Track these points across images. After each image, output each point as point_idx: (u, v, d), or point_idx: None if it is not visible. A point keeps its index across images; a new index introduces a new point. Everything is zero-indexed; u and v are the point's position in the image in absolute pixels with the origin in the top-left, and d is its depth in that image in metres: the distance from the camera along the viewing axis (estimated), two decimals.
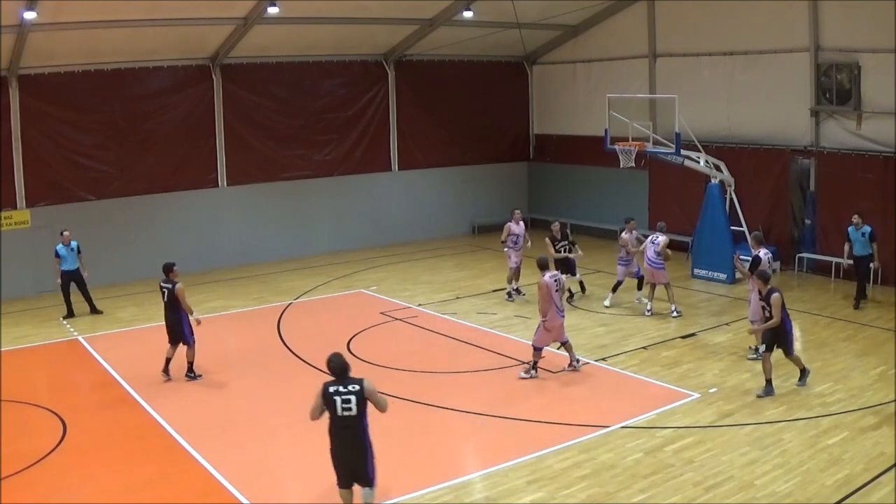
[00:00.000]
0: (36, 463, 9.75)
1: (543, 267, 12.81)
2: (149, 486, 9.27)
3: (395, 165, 24.14)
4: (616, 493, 8.76)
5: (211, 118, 20.93)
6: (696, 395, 11.50)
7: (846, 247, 15.98)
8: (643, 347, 13.78)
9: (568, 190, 25.15)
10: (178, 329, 12.68)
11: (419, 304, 17.02)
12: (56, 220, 18.88)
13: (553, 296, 12.36)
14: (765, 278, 11.61)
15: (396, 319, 15.96)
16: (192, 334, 12.73)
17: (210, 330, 15.68)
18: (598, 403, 11.53)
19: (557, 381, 12.44)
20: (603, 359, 13.27)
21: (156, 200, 20.26)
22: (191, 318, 12.70)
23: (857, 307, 15.76)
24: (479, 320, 15.76)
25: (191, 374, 12.75)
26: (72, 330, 15.86)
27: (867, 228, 15.60)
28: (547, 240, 16.50)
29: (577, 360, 12.67)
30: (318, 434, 10.63)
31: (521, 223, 17.52)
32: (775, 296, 11.31)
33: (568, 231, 17.19)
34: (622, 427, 10.46)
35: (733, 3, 19.66)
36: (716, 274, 18.34)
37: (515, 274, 17.27)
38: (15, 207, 18.55)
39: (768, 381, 11.41)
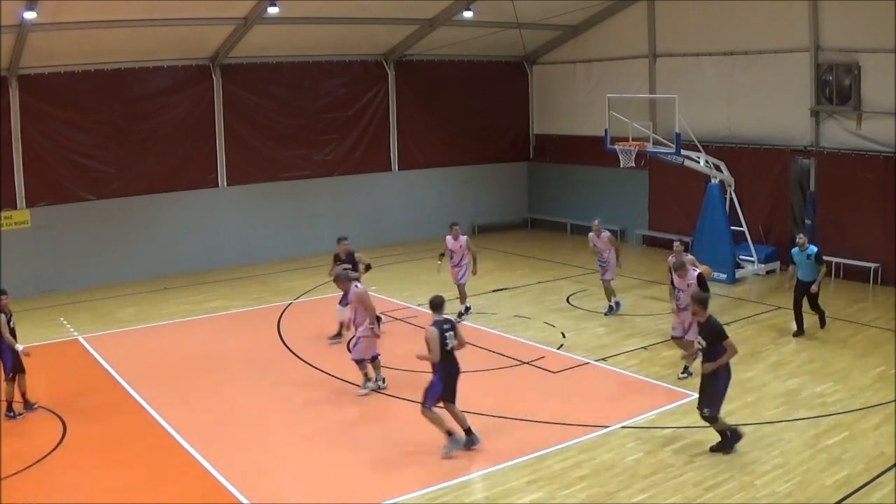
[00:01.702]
0: (36, 463, 9.75)
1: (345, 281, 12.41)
2: (149, 486, 9.27)
3: (395, 165, 24.14)
4: (616, 493, 8.76)
5: (211, 118, 20.93)
6: (696, 395, 11.48)
7: (790, 268, 14.58)
8: (643, 347, 13.78)
9: (568, 190, 25.15)
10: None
11: (419, 304, 17.00)
12: (56, 220, 18.96)
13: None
14: (701, 302, 9.65)
15: (396, 319, 15.95)
16: (14, 365, 11.30)
17: (210, 330, 15.74)
18: (598, 403, 11.54)
19: (557, 381, 12.44)
20: (603, 359, 13.27)
21: (156, 200, 20.26)
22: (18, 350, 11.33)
23: (798, 333, 14.21)
24: (479, 320, 15.76)
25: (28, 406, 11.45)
26: (72, 330, 15.86)
27: (813, 249, 13.97)
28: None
29: (383, 380, 12.27)
30: (318, 434, 10.68)
31: (461, 238, 15.95)
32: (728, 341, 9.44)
33: (355, 254, 14.90)
34: (622, 427, 10.46)
35: (733, 3, 19.66)
36: (716, 274, 18.30)
37: (461, 293, 16.05)
38: (15, 207, 18.55)
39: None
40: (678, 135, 17.28)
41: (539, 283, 18.75)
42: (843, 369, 12.39)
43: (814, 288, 13.88)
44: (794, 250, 14.20)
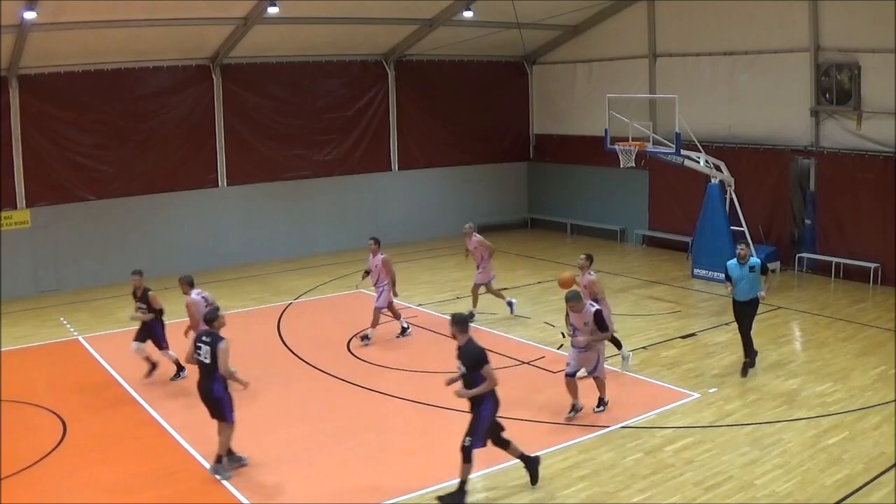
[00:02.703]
0: (36, 463, 9.75)
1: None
2: (149, 485, 9.27)
3: (395, 165, 24.13)
4: (616, 493, 8.76)
5: (211, 118, 20.93)
6: (696, 395, 11.50)
7: (728, 287, 12.43)
8: (643, 347, 13.77)
9: (568, 190, 25.15)
10: None
11: (419, 304, 17.01)
12: (56, 220, 18.96)
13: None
14: (459, 323, 8.84)
15: (396, 319, 15.93)
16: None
17: None
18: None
19: (557, 382, 12.43)
20: None
21: (156, 200, 20.26)
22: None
23: (744, 374, 12.16)
24: (479, 320, 15.74)
25: None
26: (72, 330, 15.86)
27: (756, 261, 12.12)
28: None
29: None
30: (318, 434, 10.67)
31: (379, 255, 14.41)
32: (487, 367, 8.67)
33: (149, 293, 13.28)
34: (622, 427, 10.46)
35: (733, 3, 19.66)
36: (716, 274, 18.28)
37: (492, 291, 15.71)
38: (15, 207, 18.55)
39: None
40: (678, 135, 17.28)
41: (539, 283, 18.74)
42: (843, 369, 12.40)
43: (762, 294, 12.17)
44: (732, 263, 12.14)
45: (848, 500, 8.36)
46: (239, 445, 10.31)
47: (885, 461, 9.20)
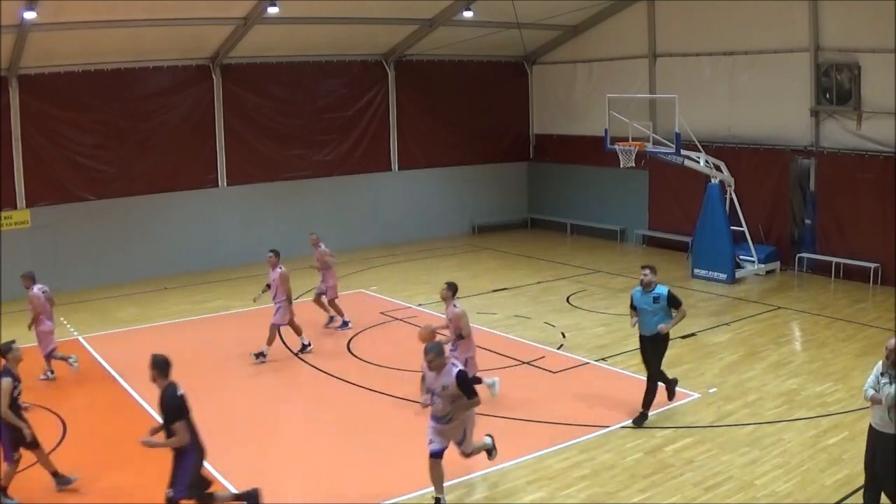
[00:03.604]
0: (36, 463, 9.74)
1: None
2: (149, 485, 9.25)
3: (395, 165, 24.13)
4: (616, 493, 8.77)
5: (211, 118, 20.93)
6: (696, 395, 11.50)
7: (632, 317, 10.68)
8: None
9: (568, 190, 25.15)
10: None
11: (419, 304, 17.02)
12: (56, 220, 18.96)
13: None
14: (158, 367, 8.06)
15: (396, 319, 15.95)
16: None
17: (210, 330, 15.73)
18: (598, 403, 11.52)
19: (557, 382, 12.44)
20: (603, 359, 13.27)
21: (156, 200, 20.26)
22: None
23: (639, 423, 10.44)
24: (479, 320, 15.74)
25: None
26: (72, 330, 15.86)
27: (662, 291, 10.28)
28: None
29: None
30: (318, 434, 10.67)
31: (277, 269, 13.67)
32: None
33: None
34: (622, 427, 10.46)
35: (733, 3, 19.66)
36: (716, 274, 18.34)
37: (287, 329, 14.05)
38: (15, 207, 18.55)
39: None
40: (678, 135, 17.28)
41: (539, 283, 18.75)
42: (843, 369, 12.40)
43: (663, 327, 10.21)
44: (636, 290, 10.52)
45: (848, 501, 8.36)
46: (240, 445, 10.32)
47: None
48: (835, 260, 18.23)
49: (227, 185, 21.38)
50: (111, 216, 19.67)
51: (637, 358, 13.15)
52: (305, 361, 13.62)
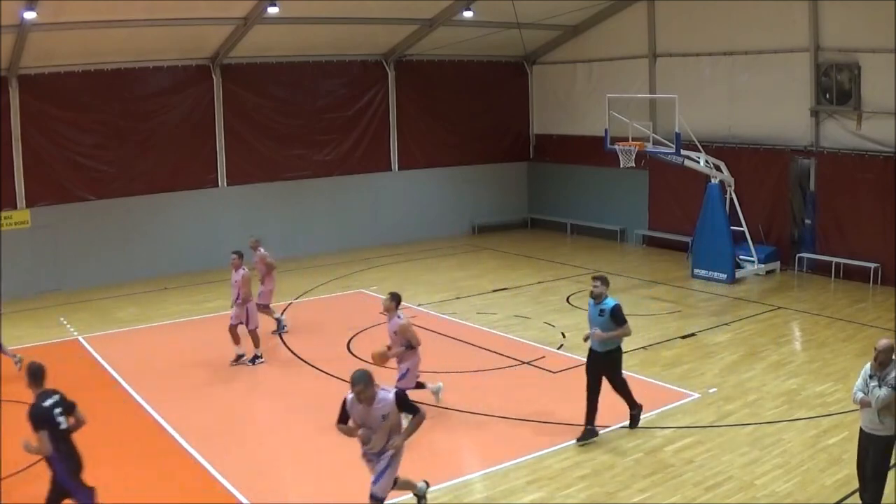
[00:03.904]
0: (36, 463, 9.73)
1: None
2: (149, 485, 9.27)
3: (395, 165, 24.13)
4: (616, 493, 8.76)
5: (211, 118, 20.93)
6: (696, 395, 11.50)
7: (589, 335, 10.05)
8: (643, 347, 13.76)
9: (568, 190, 25.15)
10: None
11: (419, 304, 17.01)
12: (56, 220, 18.95)
13: None
14: (33, 376, 7.79)
15: None
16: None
17: (210, 330, 15.71)
18: (598, 403, 11.50)
19: (558, 382, 12.44)
20: None
21: (156, 200, 20.26)
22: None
23: (582, 440, 9.93)
24: (479, 320, 15.76)
25: None
26: (72, 330, 15.86)
27: (609, 304, 9.72)
28: None
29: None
30: (318, 434, 10.66)
31: (240, 270, 13.35)
32: None
33: None
34: (622, 427, 10.46)
35: (733, 3, 19.66)
36: (716, 274, 18.34)
37: (250, 336, 13.51)
38: (15, 207, 18.54)
39: None
40: (678, 135, 17.28)
41: (539, 283, 18.75)
42: (843, 369, 12.39)
43: (598, 333, 9.71)
44: (590, 303, 10.04)
45: (848, 501, 8.35)
46: (240, 445, 10.32)
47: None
48: (835, 260, 18.23)
49: (227, 185, 21.38)
50: (111, 216, 19.67)
51: (636, 358, 13.22)
52: (305, 361, 13.62)
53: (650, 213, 22.73)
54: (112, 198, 19.68)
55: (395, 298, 10.75)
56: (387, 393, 7.37)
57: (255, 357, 13.41)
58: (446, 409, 11.32)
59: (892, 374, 7.38)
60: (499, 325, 15.40)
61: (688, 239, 20.16)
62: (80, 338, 15.30)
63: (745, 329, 14.73)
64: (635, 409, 10.28)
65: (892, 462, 7.66)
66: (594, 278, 9.99)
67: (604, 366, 9.96)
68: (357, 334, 15.00)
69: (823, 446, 9.67)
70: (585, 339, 10.14)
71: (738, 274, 18.35)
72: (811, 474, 8.98)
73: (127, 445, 10.42)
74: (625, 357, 13.07)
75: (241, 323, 13.34)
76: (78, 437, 10.69)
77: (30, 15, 15.33)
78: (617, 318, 9.71)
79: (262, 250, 15.04)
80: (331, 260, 21.70)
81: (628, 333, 9.89)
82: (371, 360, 10.48)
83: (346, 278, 19.79)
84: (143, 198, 20.06)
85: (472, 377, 12.71)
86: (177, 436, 10.60)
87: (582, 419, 10.74)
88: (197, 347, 14.57)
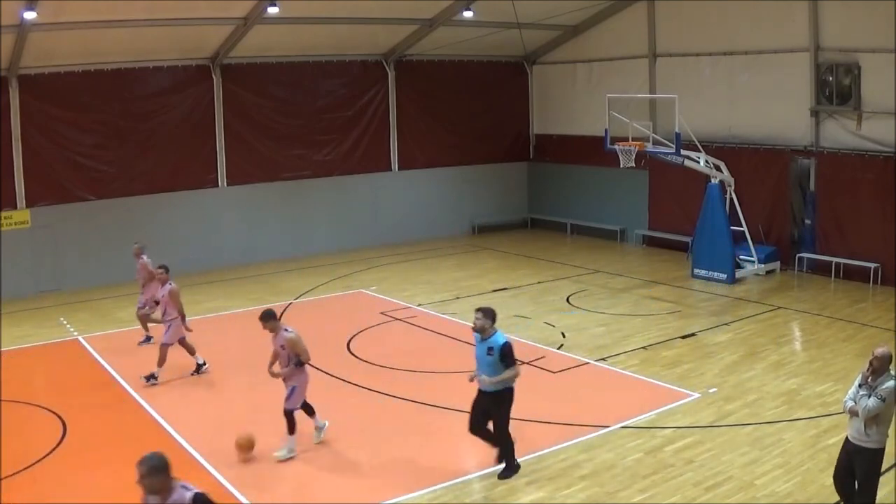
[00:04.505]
0: (36, 463, 9.75)
1: None
2: None
3: (395, 165, 24.13)
4: (616, 493, 8.76)
5: (211, 118, 20.93)
6: (696, 395, 11.50)
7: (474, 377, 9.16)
8: (643, 347, 13.77)
9: (568, 190, 25.15)
10: None
11: (419, 304, 17.01)
12: (56, 220, 18.95)
13: None
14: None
15: (396, 319, 15.95)
16: None
17: (210, 330, 15.72)
18: (598, 403, 11.53)
19: (557, 382, 12.44)
20: (603, 359, 13.27)
21: (156, 200, 20.26)
22: None
23: (507, 476, 9.06)
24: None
25: None
26: (72, 330, 15.86)
27: (497, 341, 8.87)
28: None
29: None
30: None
31: (167, 285, 12.93)
32: None
33: None
34: (622, 427, 10.46)
35: (733, 3, 19.66)
36: (716, 274, 18.34)
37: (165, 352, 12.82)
38: (15, 207, 18.54)
39: None
40: (678, 135, 17.28)
41: (539, 283, 18.75)
42: (843, 369, 12.39)
43: (485, 379, 8.86)
44: (476, 336, 9.17)
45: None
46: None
47: (886, 460, 9.18)
48: (835, 260, 18.23)
49: (227, 185, 21.38)
50: (111, 216, 19.67)
51: (636, 358, 13.24)
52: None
53: (650, 213, 22.73)
54: (112, 198, 19.68)
55: (273, 315, 9.92)
56: (185, 492, 5.72)
57: (151, 375, 12.52)
58: (446, 408, 11.30)
59: (885, 385, 7.17)
60: (499, 325, 15.33)
61: (688, 239, 20.17)
62: (80, 338, 15.30)
63: (745, 329, 14.73)
64: (509, 470, 9.08)
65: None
66: (477, 310, 9.00)
67: (490, 405, 9.03)
68: (357, 334, 15.00)
69: (823, 446, 9.66)
70: (471, 381, 9.13)
71: (738, 274, 18.35)
72: (811, 474, 8.98)
73: (127, 445, 10.41)
74: (625, 357, 13.32)
75: (186, 335, 12.98)
76: (78, 438, 10.73)
77: (30, 15, 15.33)
78: (506, 358, 8.80)
79: (145, 258, 14.74)
80: (331, 260, 21.70)
81: (518, 374, 8.98)
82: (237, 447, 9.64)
83: (347, 278, 19.79)
84: (143, 198, 20.06)
85: None
86: (177, 436, 10.60)
87: (582, 418, 10.76)
88: (197, 347, 14.55)
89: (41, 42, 17.05)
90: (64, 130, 19.01)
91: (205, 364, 13.17)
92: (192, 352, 13.14)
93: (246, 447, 9.72)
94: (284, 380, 10.01)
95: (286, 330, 9.88)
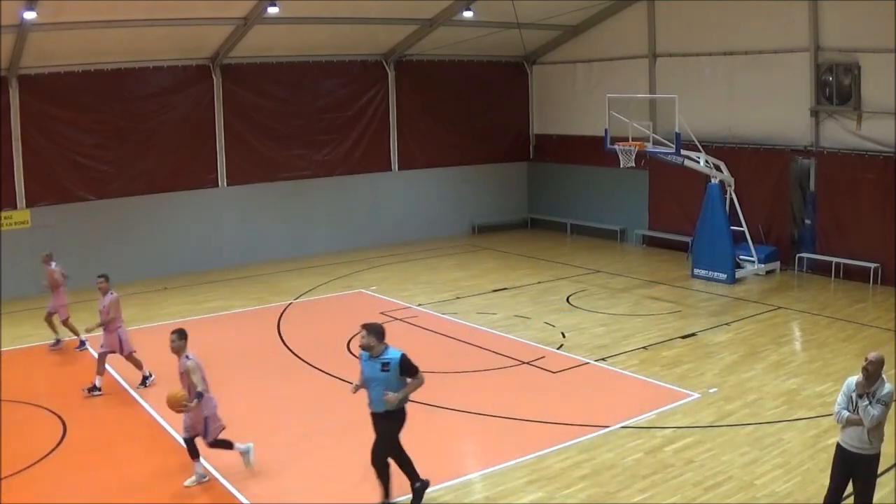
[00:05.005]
0: (36, 463, 9.75)
1: None
2: (149, 486, 9.26)
3: (395, 165, 24.14)
4: (616, 493, 8.76)
5: (211, 118, 20.93)
6: (696, 395, 11.50)
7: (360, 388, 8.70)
8: (643, 347, 13.78)
9: (568, 190, 25.15)
10: None
11: (419, 304, 17.02)
12: (56, 220, 18.95)
13: None
14: None
15: (396, 319, 15.95)
16: None
17: (210, 330, 15.73)
18: (598, 403, 11.53)
19: (557, 382, 12.44)
20: (603, 359, 13.27)
21: (156, 200, 20.26)
22: None
23: (419, 498, 8.63)
24: (479, 320, 15.76)
25: None
26: None
27: (394, 355, 8.23)
28: None
29: None
30: (318, 434, 10.67)
31: (108, 295, 12.64)
32: None
33: None
34: (622, 427, 10.46)
35: (733, 3, 19.66)
36: (716, 274, 18.34)
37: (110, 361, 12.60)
38: (15, 207, 18.55)
39: None
40: (678, 135, 17.28)
41: (539, 283, 18.75)
42: (843, 369, 12.38)
43: (391, 397, 8.18)
44: (363, 355, 8.47)
45: (848, 501, 8.34)
46: None
47: (885, 461, 9.14)
48: (835, 260, 18.23)
49: (227, 185, 21.38)
50: (111, 216, 19.67)
51: (636, 358, 13.24)
52: (305, 361, 13.61)
53: (650, 213, 22.73)
54: (112, 198, 19.68)
55: (183, 336, 9.30)
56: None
57: (145, 378, 12.46)
58: (446, 408, 11.31)
59: (885, 390, 7.10)
60: (499, 325, 15.40)
61: (688, 239, 20.17)
62: (80, 338, 15.27)
63: (745, 329, 14.73)
64: (418, 483, 8.64)
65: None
66: (363, 326, 8.34)
67: (383, 425, 8.44)
68: (357, 334, 14.96)
69: (823, 446, 9.66)
70: (354, 391, 8.61)
71: (738, 274, 18.35)
72: (811, 474, 8.98)
73: (127, 445, 10.42)
74: (625, 357, 13.32)
75: (114, 351, 12.44)
76: (78, 438, 10.73)
77: (30, 15, 15.33)
78: (407, 369, 8.20)
79: (54, 265, 14.51)
80: (331, 260, 21.71)
81: (422, 382, 8.38)
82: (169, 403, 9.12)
83: (347, 278, 19.79)
84: (143, 198, 20.06)
85: (472, 377, 12.71)
86: (177, 436, 10.58)
87: (582, 418, 10.76)
88: (197, 347, 14.50)
89: (41, 42, 17.05)
90: (64, 130, 19.01)
91: (100, 390, 12.22)
92: (101, 371, 12.35)
93: (176, 405, 9.02)
94: (192, 412, 9.11)
95: (187, 357, 9.18)
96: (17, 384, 12.65)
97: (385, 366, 8.21)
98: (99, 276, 12.88)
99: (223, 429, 9.34)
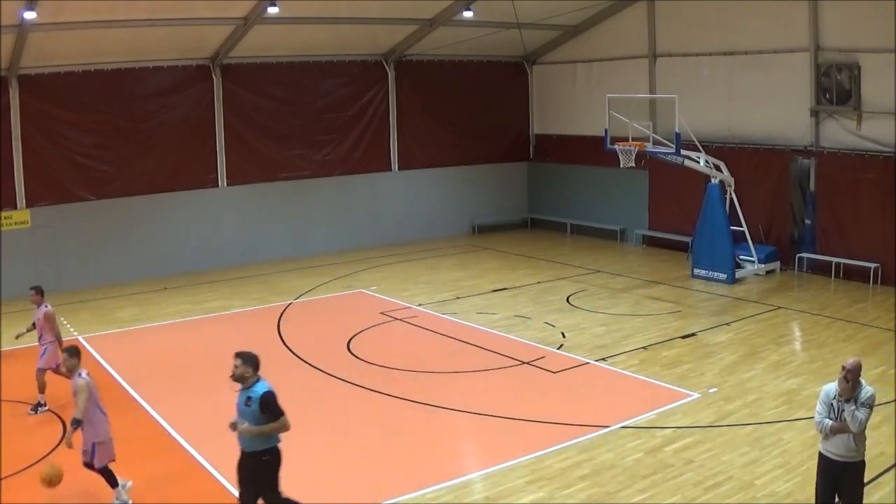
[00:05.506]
0: (36, 463, 9.75)
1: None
2: (149, 486, 9.26)
3: (395, 165, 24.13)
4: (616, 493, 8.76)
5: (211, 118, 20.93)
6: (696, 395, 11.50)
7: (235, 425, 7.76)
8: (643, 347, 13.78)
9: (568, 190, 25.15)
10: None
11: (419, 304, 17.02)
12: (56, 220, 18.95)
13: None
14: None
15: (396, 319, 15.96)
16: None
17: (210, 330, 15.74)
18: (598, 403, 11.53)
19: (557, 382, 12.44)
20: (603, 359, 13.27)
21: (156, 200, 20.25)
22: None
23: None
24: (479, 320, 15.77)
25: None
26: (72, 330, 15.85)
27: (259, 390, 7.53)
28: None
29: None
30: (318, 434, 10.67)
31: (42, 307, 11.86)
32: None
33: None
34: (622, 427, 10.46)
35: (733, 3, 19.66)
36: (716, 274, 18.34)
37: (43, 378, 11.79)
38: (15, 207, 18.54)
39: None
40: (678, 135, 17.28)
41: (539, 283, 18.75)
42: None
43: (244, 429, 7.59)
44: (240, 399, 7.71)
45: None
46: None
47: (885, 461, 9.21)
48: (835, 260, 18.23)
49: (227, 185, 21.37)
50: (111, 216, 19.67)
51: (636, 358, 13.24)
52: (305, 361, 13.61)
53: (650, 213, 22.73)
54: (112, 198, 19.67)
55: (74, 354, 8.85)
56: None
57: (38, 405, 11.65)
58: (446, 408, 11.31)
59: (867, 394, 7.04)
60: (499, 325, 15.40)
61: (688, 239, 20.17)
62: (80, 338, 15.29)
63: (745, 329, 14.73)
64: None
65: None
66: (236, 356, 7.63)
67: (252, 471, 7.66)
68: (357, 334, 15.00)
69: None
70: (233, 429, 7.71)
71: (738, 274, 18.35)
72: (811, 474, 8.92)
73: (127, 445, 10.39)
74: (625, 357, 13.32)
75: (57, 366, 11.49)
76: (79, 438, 10.69)
77: (30, 15, 15.32)
78: (268, 409, 7.43)
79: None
80: (331, 260, 21.71)
81: (285, 428, 7.59)
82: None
83: (347, 278, 19.79)
84: (143, 198, 20.06)
85: (471, 377, 12.71)
86: (177, 436, 10.60)
87: (582, 418, 10.75)
88: (197, 347, 14.59)
89: (41, 42, 17.05)
90: (64, 130, 19.01)
91: (45, 405, 11.71)
92: (42, 389, 11.74)
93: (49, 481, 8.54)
94: (83, 431, 8.72)
95: (80, 374, 8.73)
96: (17, 384, 12.65)
97: (248, 400, 7.50)
98: (30, 289, 12.12)
99: (112, 459, 8.88)
